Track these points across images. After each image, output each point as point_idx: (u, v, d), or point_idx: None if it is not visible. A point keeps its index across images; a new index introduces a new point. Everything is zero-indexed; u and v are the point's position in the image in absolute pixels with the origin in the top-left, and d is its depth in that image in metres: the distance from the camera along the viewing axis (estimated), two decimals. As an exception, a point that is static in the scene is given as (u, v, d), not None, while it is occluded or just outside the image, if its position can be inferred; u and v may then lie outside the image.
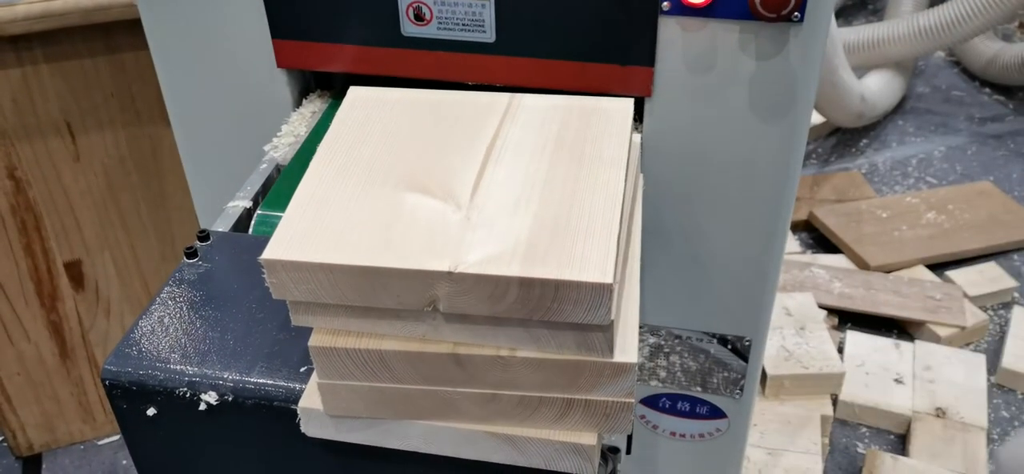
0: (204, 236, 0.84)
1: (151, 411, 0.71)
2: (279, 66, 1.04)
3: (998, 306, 2.19)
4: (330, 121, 0.76)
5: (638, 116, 0.97)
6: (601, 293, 0.58)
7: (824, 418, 1.84)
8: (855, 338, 2.05)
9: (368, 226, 0.63)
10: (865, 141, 2.86)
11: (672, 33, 0.91)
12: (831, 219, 2.40)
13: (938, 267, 2.26)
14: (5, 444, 1.88)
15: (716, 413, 1.22)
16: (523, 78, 0.97)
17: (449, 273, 0.59)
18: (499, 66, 0.97)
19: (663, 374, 1.19)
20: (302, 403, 0.67)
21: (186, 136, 1.14)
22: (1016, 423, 1.88)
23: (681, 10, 0.89)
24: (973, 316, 2.09)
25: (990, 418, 1.89)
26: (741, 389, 1.18)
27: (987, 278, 2.23)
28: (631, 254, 0.72)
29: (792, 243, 2.41)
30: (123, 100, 1.50)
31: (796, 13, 0.86)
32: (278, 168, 1.01)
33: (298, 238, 0.62)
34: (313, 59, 1.02)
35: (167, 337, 0.73)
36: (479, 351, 0.62)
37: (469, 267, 0.59)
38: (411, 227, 0.63)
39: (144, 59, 1.46)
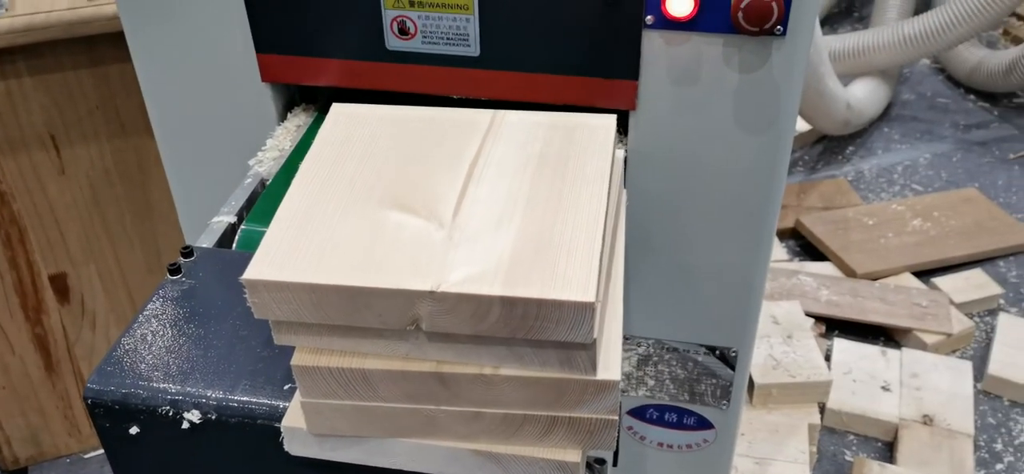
0: (188, 252, 0.83)
1: (134, 430, 0.71)
2: (264, 80, 1.04)
3: (984, 313, 2.21)
4: (315, 135, 0.76)
5: (623, 129, 0.97)
6: (583, 312, 0.58)
7: (812, 426, 1.84)
8: (842, 346, 2.06)
9: (350, 245, 0.63)
10: (851, 148, 2.87)
11: (656, 47, 0.91)
12: (818, 227, 2.40)
13: (924, 274, 2.27)
14: (-10, 458, 1.87)
15: (704, 424, 1.22)
16: (508, 92, 0.97)
17: (432, 292, 0.59)
18: (484, 80, 0.97)
19: (651, 383, 1.19)
20: (285, 422, 0.67)
21: (171, 150, 1.14)
22: (1003, 430, 1.89)
23: (665, 24, 0.89)
24: (959, 323, 2.10)
25: (977, 425, 1.89)
26: (728, 399, 1.18)
27: (973, 285, 2.24)
28: (614, 271, 0.72)
29: (779, 251, 2.41)
30: (107, 112, 1.49)
31: (779, 27, 0.86)
32: (263, 183, 1.01)
33: (280, 257, 0.62)
34: (298, 73, 1.02)
35: (150, 355, 0.72)
36: (462, 369, 0.62)
37: (451, 286, 0.59)
38: (393, 246, 0.63)
39: (128, 71, 1.45)
